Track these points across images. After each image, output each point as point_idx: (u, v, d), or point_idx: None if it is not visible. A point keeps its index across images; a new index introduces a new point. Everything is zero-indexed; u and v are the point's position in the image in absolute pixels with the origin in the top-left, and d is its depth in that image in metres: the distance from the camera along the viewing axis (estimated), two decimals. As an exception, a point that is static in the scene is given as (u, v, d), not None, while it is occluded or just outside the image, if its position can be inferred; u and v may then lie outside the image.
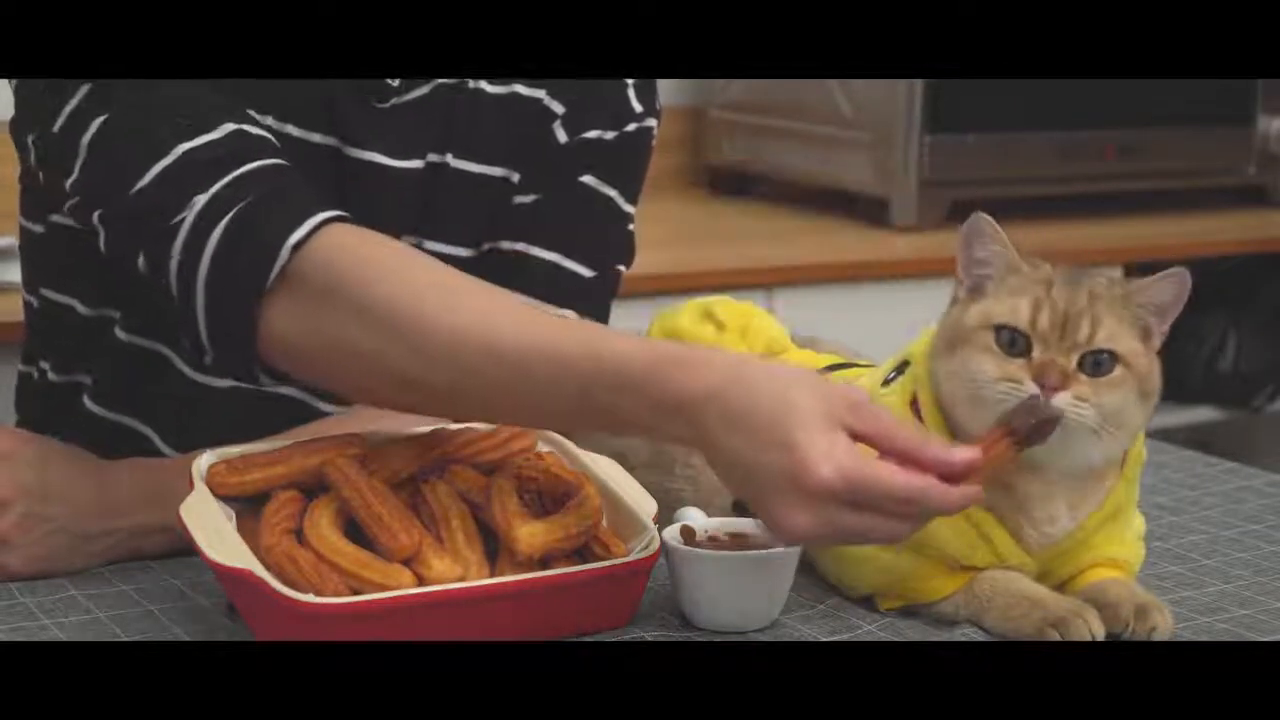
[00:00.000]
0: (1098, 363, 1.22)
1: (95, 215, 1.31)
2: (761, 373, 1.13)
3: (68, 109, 1.33)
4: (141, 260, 1.28)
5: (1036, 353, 1.22)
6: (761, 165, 3.21)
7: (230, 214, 1.25)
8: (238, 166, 1.27)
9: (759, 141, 3.17)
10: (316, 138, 1.44)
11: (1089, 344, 1.22)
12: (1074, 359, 1.22)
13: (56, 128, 1.34)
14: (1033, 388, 1.21)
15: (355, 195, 1.42)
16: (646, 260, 2.86)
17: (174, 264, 1.26)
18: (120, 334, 1.48)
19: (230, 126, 1.30)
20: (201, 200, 1.26)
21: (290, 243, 1.22)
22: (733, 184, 3.26)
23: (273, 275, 1.22)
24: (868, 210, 3.00)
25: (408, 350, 1.19)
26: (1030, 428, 1.18)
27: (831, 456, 1.09)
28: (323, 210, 1.25)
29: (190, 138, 1.28)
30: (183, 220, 1.26)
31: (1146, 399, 1.24)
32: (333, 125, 1.44)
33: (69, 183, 1.33)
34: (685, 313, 1.47)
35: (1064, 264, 1.28)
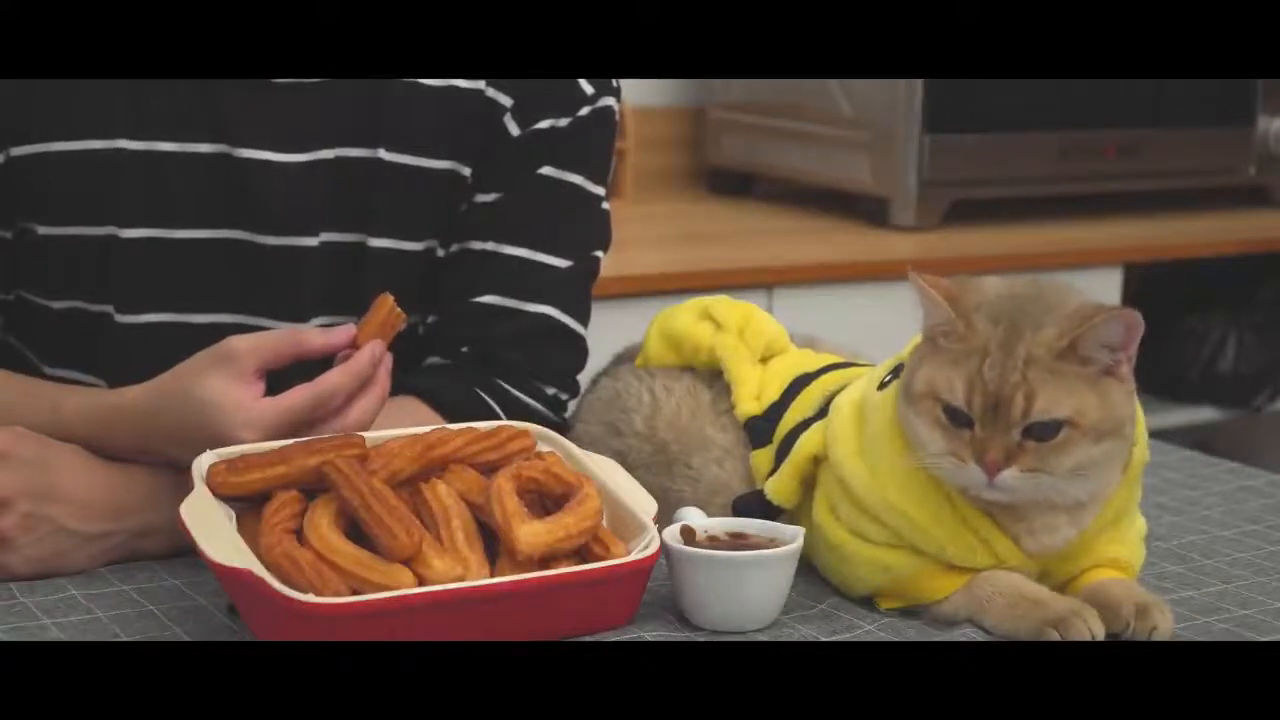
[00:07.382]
0: (1044, 430, 1.20)
1: None
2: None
3: None
4: None
5: (977, 430, 1.21)
6: (761, 165, 3.21)
7: None
8: None
9: (759, 141, 3.17)
10: (203, 148, 1.44)
11: (1025, 419, 1.20)
12: (1015, 434, 1.20)
13: None
14: (975, 469, 1.20)
15: (251, 198, 1.43)
16: (646, 260, 2.85)
17: None
18: (48, 303, 1.49)
19: None
20: None
21: None
22: (733, 184, 3.26)
23: None
24: (867, 210, 3.00)
25: None
26: None
27: (249, 423, 1.27)
28: None
29: None
30: None
31: (1110, 438, 1.22)
32: (218, 130, 1.44)
33: None
34: (684, 312, 1.46)
35: (1056, 267, 1.27)
